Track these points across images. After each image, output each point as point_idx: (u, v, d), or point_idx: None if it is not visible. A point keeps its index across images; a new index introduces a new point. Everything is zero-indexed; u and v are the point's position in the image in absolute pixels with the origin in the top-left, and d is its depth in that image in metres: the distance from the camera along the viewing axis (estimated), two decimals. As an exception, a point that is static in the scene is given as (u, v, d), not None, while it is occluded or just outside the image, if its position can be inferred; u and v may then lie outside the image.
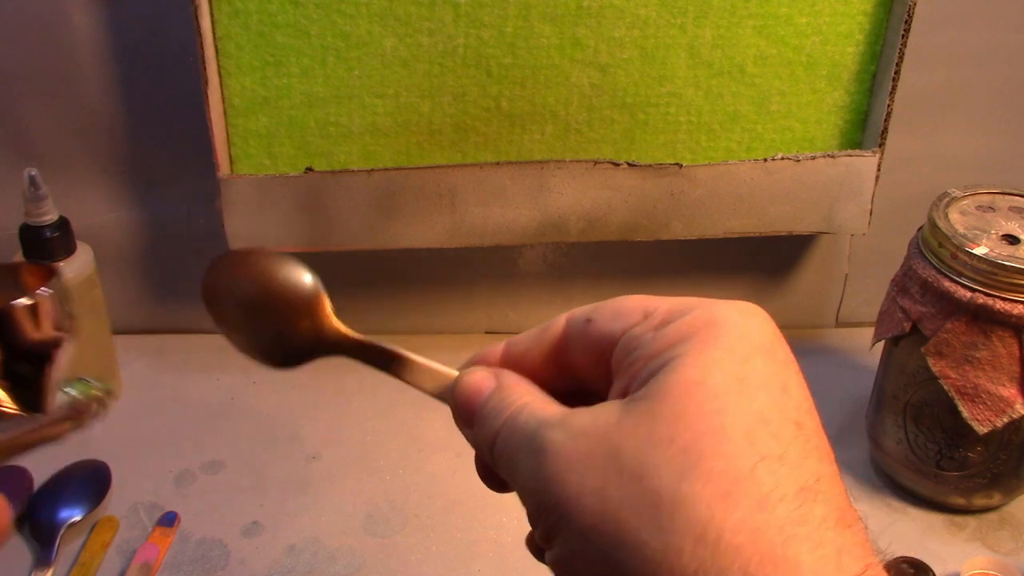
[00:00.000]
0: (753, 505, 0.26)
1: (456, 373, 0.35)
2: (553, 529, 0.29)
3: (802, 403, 0.29)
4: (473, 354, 0.36)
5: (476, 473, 0.36)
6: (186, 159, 0.75)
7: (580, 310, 0.34)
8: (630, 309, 0.32)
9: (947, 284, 0.61)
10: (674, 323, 0.30)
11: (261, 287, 0.38)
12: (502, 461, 0.31)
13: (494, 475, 0.34)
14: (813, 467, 0.28)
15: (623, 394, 0.30)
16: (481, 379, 0.34)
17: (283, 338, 0.38)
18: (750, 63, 0.71)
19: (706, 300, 0.31)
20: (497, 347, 0.36)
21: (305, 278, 0.38)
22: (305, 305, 0.38)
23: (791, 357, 0.30)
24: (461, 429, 0.34)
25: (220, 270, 0.39)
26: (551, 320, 0.35)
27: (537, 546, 0.31)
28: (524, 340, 0.35)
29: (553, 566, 0.29)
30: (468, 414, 0.33)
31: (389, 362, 0.36)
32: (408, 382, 0.36)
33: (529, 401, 0.32)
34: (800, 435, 0.28)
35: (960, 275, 0.61)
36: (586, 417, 0.29)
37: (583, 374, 0.34)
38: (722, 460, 0.27)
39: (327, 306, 0.38)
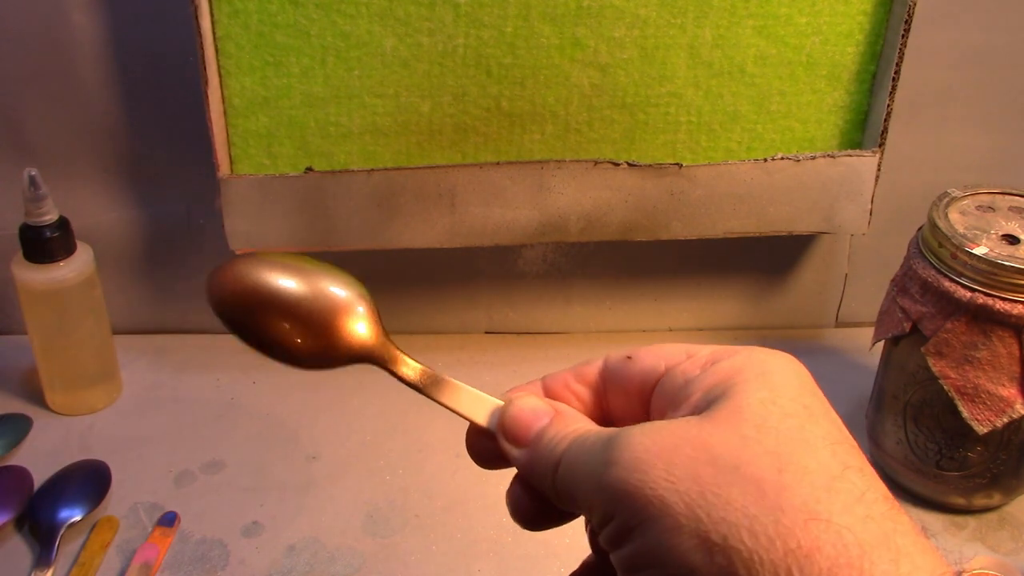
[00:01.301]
0: (854, 499, 0.28)
1: (499, 402, 0.36)
2: (630, 523, 0.29)
3: (849, 441, 0.31)
4: (510, 389, 0.37)
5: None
6: (186, 159, 0.75)
7: (618, 352, 0.35)
8: (672, 350, 0.34)
9: (947, 284, 0.61)
10: (724, 362, 0.32)
11: (308, 287, 0.37)
12: (565, 482, 0.32)
13: (526, 507, 0.34)
14: (877, 486, 0.30)
15: (685, 413, 0.31)
16: (539, 407, 0.34)
17: (321, 341, 0.37)
18: (750, 63, 0.71)
19: (745, 347, 0.32)
20: (535, 383, 0.37)
21: (357, 286, 0.37)
22: (357, 311, 0.37)
23: (826, 404, 0.32)
24: (508, 452, 0.34)
25: (243, 269, 0.38)
26: (587, 359, 0.36)
27: (599, 549, 0.32)
28: (561, 377, 0.36)
29: (627, 562, 0.29)
30: (523, 437, 0.34)
31: (429, 384, 0.36)
32: (446, 405, 0.36)
33: (592, 428, 0.32)
34: (857, 467, 0.30)
35: (960, 275, 0.61)
36: (661, 426, 0.30)
37: (616, 412, 0.35)
38: (814, 461, 0.28)
39: (377, 319, 0.37)
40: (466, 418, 0.36)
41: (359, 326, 0.37)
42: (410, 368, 0.37)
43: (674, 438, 0.29)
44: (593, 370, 0.36)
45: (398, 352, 0.37)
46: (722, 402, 0.30)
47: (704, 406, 0.30)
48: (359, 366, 0.37)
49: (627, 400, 0.34)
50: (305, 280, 0.37)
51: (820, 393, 0.31)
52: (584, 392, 0.36)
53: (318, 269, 0.37)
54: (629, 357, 0.34)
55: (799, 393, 0.31)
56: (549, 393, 0.36)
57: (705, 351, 0.33)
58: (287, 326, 0.37)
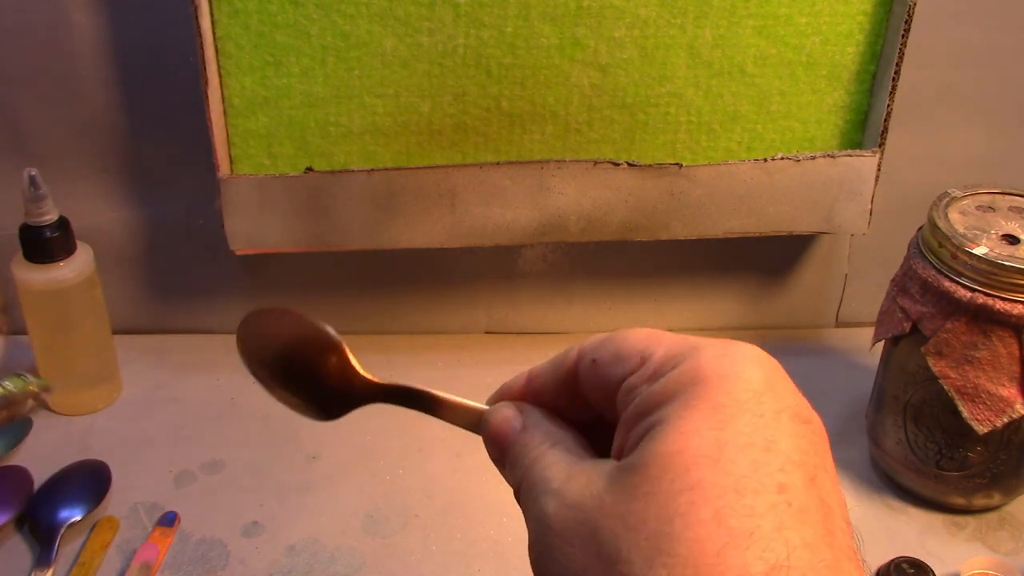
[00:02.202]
0: None
1: (486, 408, 0.36)
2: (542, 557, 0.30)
3: (790, 457, 0.27)
4: (501, 385, 0.37)
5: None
6: (186, 159, 0.75)
7: (588, 345, 0.34)
8: (629, 352, 0.32)
9: (947, 284, 0.61)
10: (664, 377, 0.29)
11: (289, 348, 0.41)
12: (524, 510, 0.32)
13: None
14: (789, 537, 0.26)
15: (620, 451, 0.30)
16: (507, 419, 0.34)
17: (319, 393, 0.41)
18: (750, 63, 0.71)
19: (700, 344, 0.30)
20: (522, 377, 0.36)
21: (327, 336, 0.40)
22: (331, 362, 0.41)
23: (784, 403, 0.28)
24: (492, 458, 0.35)
25: (250, 332, 0.41)
26: (565, 351, 0.35)
27: None
28: (543, 372, 0.36)
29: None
30: (499, 454, 0.34)
31: (421, 402, 0.38)
32: (442, 418, 0.38)
33: (543, 452, 0.32)
34: (780, 500, 0.26)
35: (960, 275, 0.61)
36: (579, 485, 0.29)
37: (597, 407, 0.34)
38: (686, 545, 0.26)
39: (352, 361, 0.40)
40: (463, 427, 0.37)
41: (339, 376, 0.41)
42: (406, 393, 0.39)
43: (576, 516, 0.28)
44: (569, 364, 0.34)
45: (381, 382, 0.41)
46: (639, 449, 0.28)
47: (633, 444, 0.29)
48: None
49: (600, 397, 0.33)
50: (283, 346, 0.41)
51: (765, 401, 0.28)
52: (563, 386, 0.35)
53: (294, 328, 0.41)
54: (594, 360, 0.33)
55: (725, 420, 0.27)
56: (531, 389, 0.36)
57: (659, 353, 0.30)
58: (285, 386, 0.41)
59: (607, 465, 0.29)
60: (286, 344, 0.40)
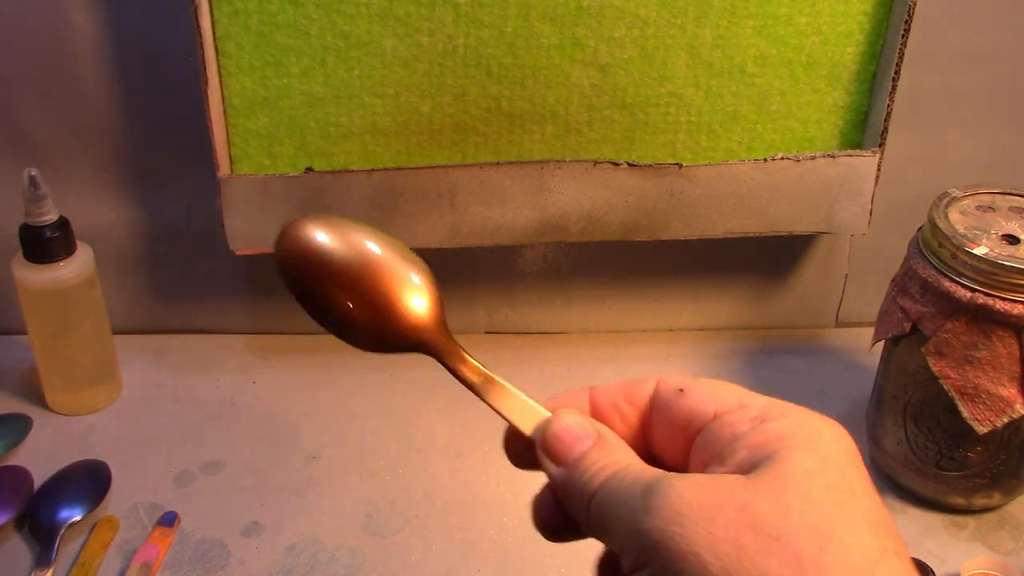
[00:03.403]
0: None
1: (547, 413, 0.35)
2: (664, 574, 0.29)
3: (893, 523, 0.30)
4: (561, 393, 0.36)
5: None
6: (186, 159, 0.75)
7: (672, 379, 0.35)
8: (724, 393, 0.33)
9: (947, 284, 0.61)
10: (775, 422, 0.31)
11: (375, 257, 0.36)
12: (600, 514, 0.32)
13: (553, 519, 0.34)
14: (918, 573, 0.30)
15: (730, 469, 0.31)
16: (583, 428, 0.34)
17: (381, 323, 0.36)
18: (750, 63, 0.71)
19: (798, 408, 0.32)
20: (583, 392, 0.36)
21: (423, 272, 0.37)
22: (420, 298, 0.36)
23: (872, 485, 0.31)
24: (546, 467, 0.34)
25: (321, 234, 0.36)
26: (640, 378, 0.35)
27: None
28: (611, 393, 0.36)
29: None
30: (563, 457, 0.33)
31: (481, 384, 0.36)
32: (493, 407, 0.36)
33: (634, 463, 0.32)
34: (903, 543, 0.30)
35: (960, 275, 0.61)
36: (705, 477, 0.30)
37: (657, 440, 0.35)
38: (856, 542, 0.28)
39: (441, 307, 0.37)
40: (511, 423, 0.35)
41: (419, 307, 0.36)
42: (467, 366, 0.36)
43: (718, 496, 0.29)
44: (643, 392, 0.35)
45: (457, 346, 0.37)
46: (768, 466, 0.30)
47: (749, 467, 0.30)
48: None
49: (671, 432, 0.34)
50: (373, 250, 0.36)
51: (864, 470, 0.31)
52: (631, 413, 0.35)
53: (388, 243, 0.37)
54: (681, 390, 0.34)
55: (845, 467, 0.30)
56: (595, 407, 0.36)
57: (757, 404, 0.33)
58: (347, 294, 0.36)
59: (727, 474, 0.30)
60: (366, 260, 0.36)
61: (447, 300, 0.38)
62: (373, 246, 0.36)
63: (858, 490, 0.30)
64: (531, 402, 0.35)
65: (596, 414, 0.36)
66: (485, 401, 0.36)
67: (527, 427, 0.35)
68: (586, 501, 0.32)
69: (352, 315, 0.36)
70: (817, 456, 0.30)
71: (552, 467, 0.33)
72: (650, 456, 0.35)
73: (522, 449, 0.35)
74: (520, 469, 0.36)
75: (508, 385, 0.36)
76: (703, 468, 0.32)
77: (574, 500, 0.33)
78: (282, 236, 0.36)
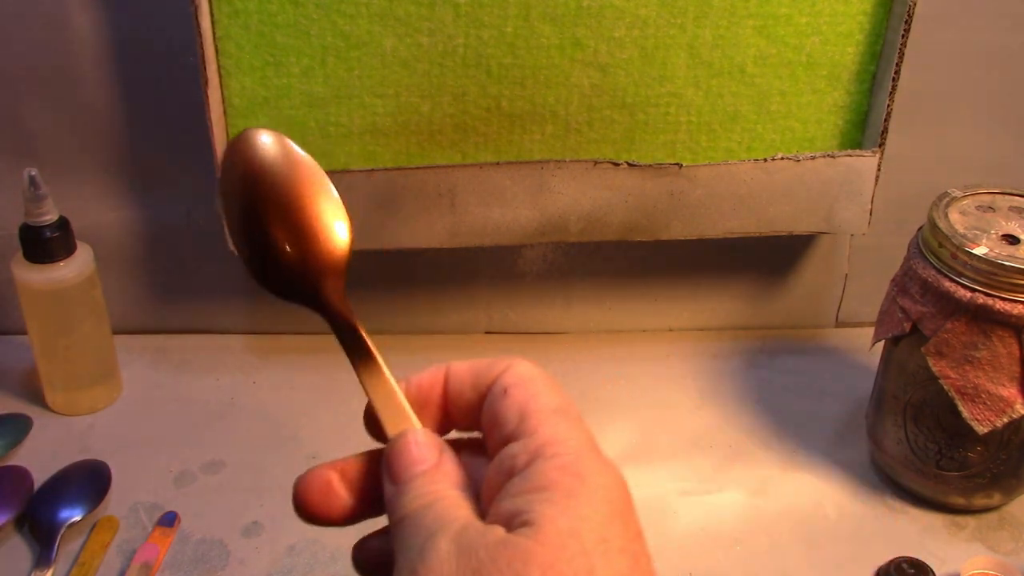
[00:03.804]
0: None
1: (410, 413, 0.35)
2: None
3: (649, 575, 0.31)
4: (421, 374, 0.36)
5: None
6: (186, 159, 0.75)
7: (513, 373, 0.35)
8: (531, 412, 0.33)
9: (947, 284, 0.61)
10: (548, 460, 0.31)
11: (294, 199, 0.35)
12: (396, 541, 0.32)
13: (363, 501, 0.35)
14: None
15: (501, 518, 0.31)
16: (424, 452, 0.34)
17: (281, 262, 0.35)
18: (750, 63, 0.71)
19: (576, 446, 0.32)
20: (439, 372, 0.36)
21: (342, 229, 0.35)
22: (327, 253, 0.35)
23: (640, 528, 0.32)
24: (383, 478, 0.34)
25: (254, 151, 0.35)
26: (493, 361, 0.35)
27: None
28: (462, 376, 0.36)
29: None
30: (397, 476, 0.34)
31: (360, 356, 0.35)
32: (365, 387, 0.35)
33: (446, 497, 0.32)
34: None
35: (960, 275, 0.61)
36: (474, 535, 0.30)
37: (483, 429, 0.35)
38: None
39: (344, 270, 0.36)
40: (375, 412, 0.35)
41: (332, 255, 0.36)
42: (358, 335, 0.35)
43: (469, 563, 0.29)
44: (487, 379, 0.35)
45: (352, 312, 0.36)
46: (524, 525, 0.30)
47: (511, 519, 0.30)
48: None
49: (488, 429, 0.34)
50: (308, 187, 0.36)
51: (629, 520, 0.31)
52: (473, 399, 0.35)
53: (323, 185, 0.36)
54: (506, 390, 0.34)
55: (604, 523, 0.30)
56: (446, 390, 0.36)
57: (545, 431, 0.32)
58: (273, 220, 0.35)
59: (498, 529, 0.30)
60: (286, 194, 0.35)
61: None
62: (316, 173, 0.36)
63: (613, 548, 0.30)
64: (400, 396, 0.35)
65: (446, 397, 0.36)
66: (360, 378, 0.35)
67: (387, 421, 0.34)
68: (393, 525, 0.33)
69: (270, 231, 0.35)
70: (573, 514, 0.30)
71: (387, 483, 0.34)
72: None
73: (379, 434, 0.35)
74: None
75: (387, 370, 0.35)
76: (492, 495, 0.32)
77: (389, 520, 0.33)
78: (240, 136, 0.36)
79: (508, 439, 0.33)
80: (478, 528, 0.30)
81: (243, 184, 0.35)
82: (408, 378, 0.36)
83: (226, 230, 0.35)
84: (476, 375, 0.35)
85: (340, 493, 0.35)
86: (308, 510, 0.35)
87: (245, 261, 0.35)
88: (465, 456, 0.35)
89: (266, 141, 0.35)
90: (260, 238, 0.35)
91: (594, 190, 0.72)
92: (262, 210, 0.35)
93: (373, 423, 0.35)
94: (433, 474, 0.33)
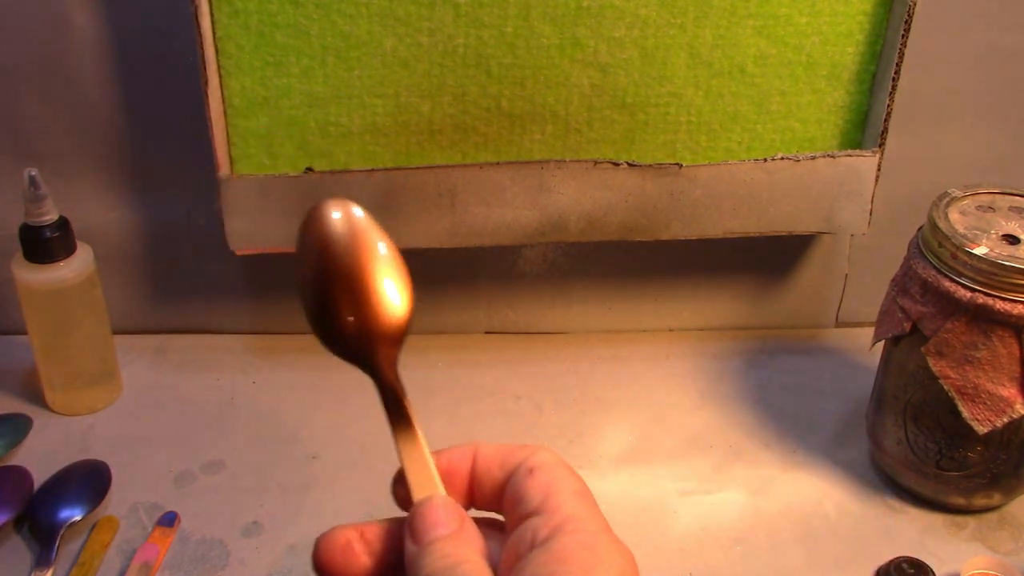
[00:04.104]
0: None
1: (438, 482, 0.37)
2: None
3: None
4: (450, 449, 0.39)
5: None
6: (186, 159, 0.75)
7: (541, 456, 0.37)
8: (554, 492, 0.35)
9: (947, 284, 0.61)
10: (566, 536, 0.33)
11: (358, 273, 0.38)
12: None
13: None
14: None
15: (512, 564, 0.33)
16: (447, 516, 0.36)
17: (343, 330, 0.38)
18: (750, 63, 0.71)
19: (594, 527, 0.34)
20: (468, 450, 0.39)
21: (401, 302, 0.39)
22: (384, 325, 0.39)
23: None
24: (405, 538, 0.36)
25: (324, 223, 0.38)
26: (523, 446, 0.38)
27: None
28: (491, 455, 0.38)
29: None
30: (419, 537, 0.35)
31: (400, 423, 0.38)
32: (399, 452, 0.38)
33: (469, 561, 0.34)
34: None
35: (960, 275, 0.61)
36: None
37: (504, 507, 0.37)
38: None
39: (400, 340, 0.39)
40: (406, 476, 0.37)
41: (391, 322, 0.39)
42: (404, 402, 0.38)
43: None
44: (516, 460, 0.37)
45: (399, 378, 0.39)
46: None
47: None
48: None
49: (510, 507, 0.36)
50: (379, 250, 0.39)
51: None
52: (500, 478, 0.37)
53: (391, 254, 0.40)
54: (531, 470, 0.36)
55: None
56: (475, 467, 0.38)
57: (564, 510, 0.34)
58: (337, 291, 0.38)
59: None
60: (357, 268, 0.38)
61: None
62: (382, 247, 0.40)
63: None
64: (432, 467, 0.37)
65: (474, 475, 0.38)
66: (395, 441, 0.38)
67: (416, 487, 0.37)
68: (415, 574, 0.34)
69: (332, 284, 0.38)
70: None
71: (409, 542, 0.35)
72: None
73: (404, 497, 0.37)
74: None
75: (423, 440, 0.37)
76: (510, 565, 0.34)
77: (409, 568, 0.35)
78: (312, 212, 0.38)
79: (530, 514, 0.35)
80: None
81: (313, 254, 0.38)
82: (440, 452, 0.39)
83: (298, 290, 0.39)
84: (504, 455, 0.38)
85: (359, 554, 0.36)
86: (326, 568, 0.36)
87: (310, 322, 0.38)
88: (481, 530, 0.37)
89: (336, 215, 0.38)
90: (325, 306, 0.38)
91: (594, 190, 0.72)
92: (328, 281, 0.38)
93: (401, 488, 0.38)
94: (456, 538, 0.35)
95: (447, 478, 0.38)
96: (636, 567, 0.34)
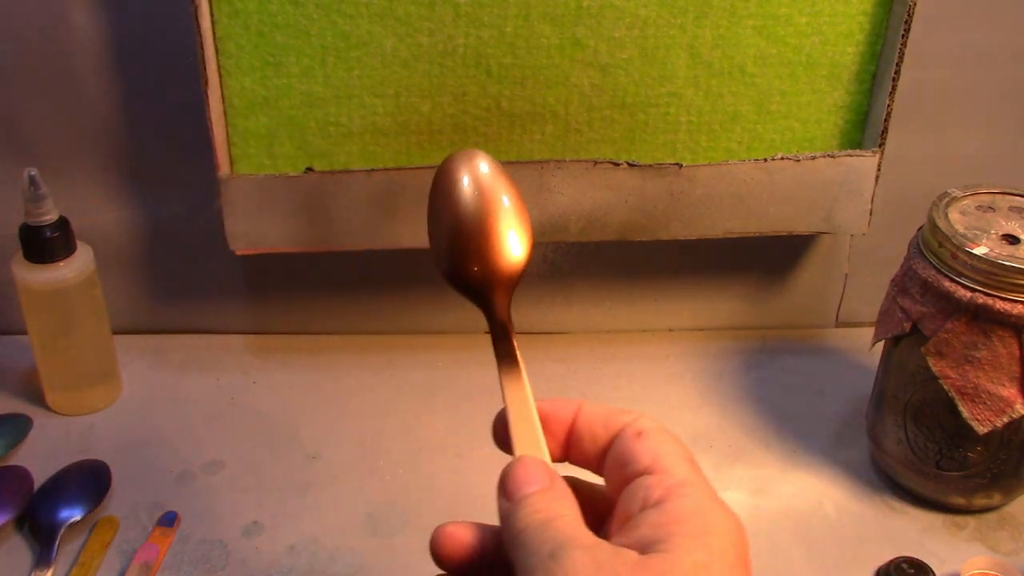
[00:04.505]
0: None
1: (538, 428, 0.38)
2: None
3: None
4: (554, 399, 0.40)
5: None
6: (186, 159, 0.75)
7: (646, 422, 0.38)
8: (665, 454, 0.37)
9: (947, 284, 0.61)
10: (681, 500, 0.35)
11: (483, 220, 0.41)
12: (517, 553, 0.35)
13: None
14: None
15: (635, 542, 0.34)
16: (538, 473, 0.37)
17: (465, 272, 0.42)
18: (750, 63, 0.71)
19: (705, 491, 0.35)
20: (572, 405, 0.40)
21: (519, 249, 0.42)
22: (502, 271, 0.42)
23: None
24: (498, 496, 0.37)
25: (457, 172, 0.42)
26: (627, 410, 0.39)
27: None
28: (595, 415, 0.39)
29: None
30: (511, 493, 0.36)
31: (508, 364, 0.40)
32: (503, 391, 0.39)
33: (566, 516, 0.35)
34: None
35: (960, 275, 0.61)
36: (608, 552, 0.33)
37: (606, 469, 0.39)
38: None
39: (514, 284, 0.42)
40: (508, 417, 0.38)
41: (510, 264, 0.42)
42: (508, 341, 0.41)
43: (611, 573, 0.32)
44: (619, 422, 0.38)
45: (510, 319, 0.42)
46: (661, 552, 0.32)
47: (647, 545, 0.33)
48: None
49: (615, 468, 0.37)
50: (506, 201, 0.42)
51: (749, 567, 0.35)
52: (602, 437, 0.38)
53: (518, 204, 0.42)
54: (639, 433, 0.37)
55: (732, 564, 0.34)
56: (576, 423, 0.39)
57: (678, 473, 0.36)
58: (463, 237, 0.42)
59: (630, 551, 0.33)
60: (483, 209, 0.42)
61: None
62: (505, 199, 0.42)
63: None
64: (534, 413, 0.38)
65: (575, 429, 0.39)
66: (500, 380, 0.39)
67: (517, 432, 0.38)
68: (511, 537, 0.35)
69: (461, 234, 0.42)
70: (707, 549, 0.33)
71: (502, 499, 0.37)
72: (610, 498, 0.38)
73: (503, 437, 0.39)
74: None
75: (526, 382, 0.39)
76: (622, 523, 0.35)
77: (505, 533, 0.36)
78: (443, 165, 0.43)
79: (639, 474, 0.36)
80: (610, 548, 0.33)
81: (443, 208, 0.42)
82: (543, 400, 0.40)
83: (429, 234, 0.44)
84: (608, 415, 0.39)
85: (473, 537, 0.38)
86: (445, 551, 0.38)
87: (436, 264, 0.42)
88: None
89: (464, 173, 0.42)
90: (451, 254, 0.42)
91: (594, 190, 0.72)
92: (455, 233, 0.42)
93: (501, 429, 0.39)
94: (547, 494, 0.36)
95: (546, 424, 0.39)
96: (746, 535, 0.35)
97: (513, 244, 0.42)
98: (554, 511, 0.35)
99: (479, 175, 0.42)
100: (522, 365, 0.40)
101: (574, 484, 0.38)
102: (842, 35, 0.71)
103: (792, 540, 0.66)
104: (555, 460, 0.39)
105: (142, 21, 0.71)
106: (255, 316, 0.84)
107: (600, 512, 0.39)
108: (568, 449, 0.40)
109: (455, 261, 0.42)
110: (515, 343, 0.40)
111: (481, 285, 0.42)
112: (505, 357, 0.40)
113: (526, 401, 0.39)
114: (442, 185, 0.42)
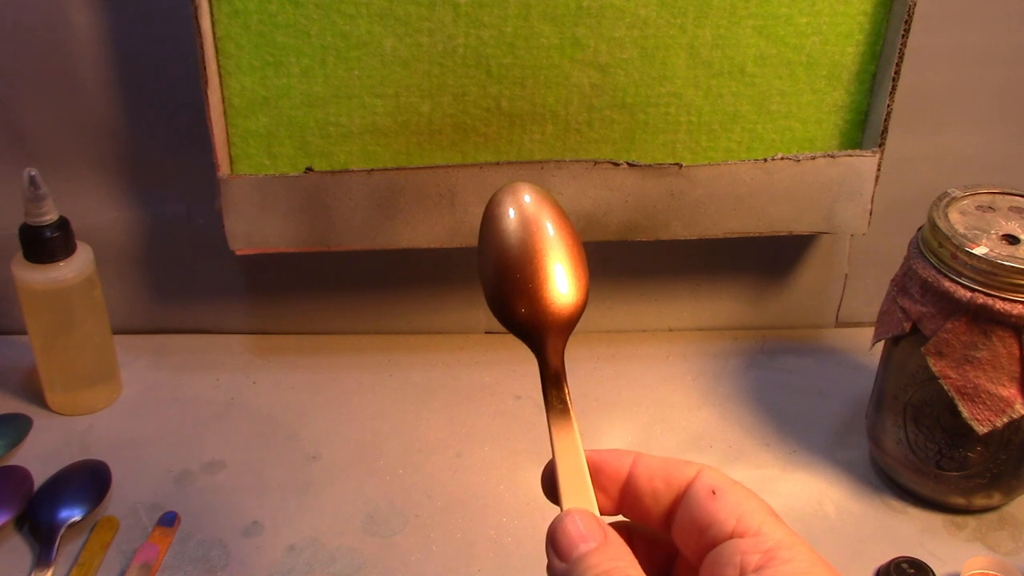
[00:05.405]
0: None
1: (588, 481, 0.36)
2: None
3: None
4: (606, 451, 0.38)
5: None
6: (186, 159, 0.75)
7: (712, 475, 0.36)
8: (750, 512, 0.35)
9: (947, 284, 0.61)
10: (782, 565, 0.33)
11: (536, 262, 0.39)
12: None
13: None
14: None
15: None
16: (589, 529, 0.35)
17: (517, 314, 0.39)
18: (750, 63, 0.71)
19: (807, 553, 0.33)
20: (626, 456, 0.38)
21: (574, 294, 0.40)
22: (555, 316, 0.39)
23: None
24: (549, 556, 0.35)
25: (508, 209, 0.40)
26: (685, 461, 0.37)
27: None
28: (653, 468, 0.37)
29: None
30: (565, 553, 0.35)
31: (558, 413, 0.38)
32: (552, 440, 0.37)
33: (629, 572, 0.33)
34: None
35: (960, 275, 0.61)
36: None
37: (676, 528, 0.36)
38: None
39: (569, 330, 0.39)
40: (556, 468, 0.37)
41: (561, 308, 0.40)
42: (561, 390, 0.38)
43: None
44: (682, 477, 0.36)
45: (563, 366, 0.39)
46: None
47: None
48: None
49: (691, 529, 0.35)
50: (560, 238, 0.40)
51: None
52: (665, 495, 0.37)
53: (568, 248, 0.40)
54: (714, 492, 0.35)
55: None
56: (632, 477, 0.37)
57: (774, 536, 0.34)
58: (515, 279, 0.40)
59: None
60: (539, 255, 0.40)
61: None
62: (555, 237, 0.40)
63: None
64: (584, 466, 0.36)
65: (631, 484, 0.37)
66: (551, 434, 0.37)
67: (566, 487, 0.36)
68: None
69: (503, 271, 0.39)
70: None
71: (555, 559, 0.35)
72: (670, 542, 0.36)
73: (551, 489, 0.37)
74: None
75: (577, 433, 0.37)
76: None
77: None
78: (489, 205, 0.41)
79: (726, 537, 0.34)
80: None
81: (490, 248, 0.40)
82: (594, 451, 0.38)
83: (479, 275, 0.41)
84: (668, 469, 0.37)
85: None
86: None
87: (489, 305, 0.40)
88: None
89: (510, 211, 0.40)
90: (500, 294, 0.40)
91: (594, 190, 0.72)
92: (502, 274, 0.40)
93: (550, 481, 0.37)
94: (604, 550, 0.34)
95: (597, 477, 0.37)
96: None
97: (561, 282, 0.40)
98: (619, 568, 0.33)
99: (523, 207, 0.40)
100: (573, 415, 0.38)
101: (627, 528, 0.37)
102: (842, 35, 0.71)
103: (792, 540, 0.66)
104: (604, 514, 0.37)
105: (142, 21, 0.71)
106: (255, 316, 0.84)
107: (657, 558, 0.37)
108: (622, 505, 0.38)
109: (502, 301, 0.39)
110: (567, 391, 0.38)
111: (530, 327, 0.39)
112: (556, 404, 0.38)
113: (577, 452, 0.37)
114: (486, 220, 0.40)
